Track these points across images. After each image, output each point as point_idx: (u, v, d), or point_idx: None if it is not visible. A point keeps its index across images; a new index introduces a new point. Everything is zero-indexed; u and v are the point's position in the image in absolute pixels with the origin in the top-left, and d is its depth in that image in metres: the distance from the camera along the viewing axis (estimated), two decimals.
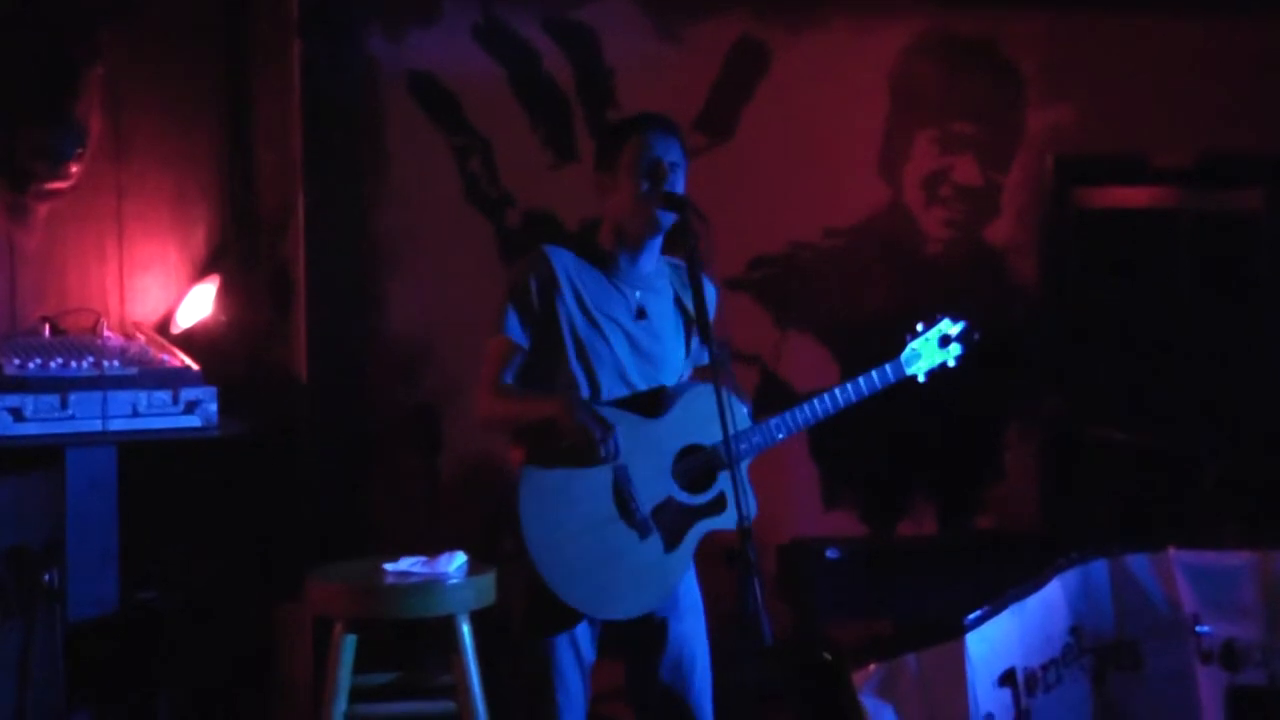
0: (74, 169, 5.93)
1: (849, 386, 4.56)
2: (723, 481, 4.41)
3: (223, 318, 6.03)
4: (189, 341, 5.85)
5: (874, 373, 4.62)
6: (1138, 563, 5.07)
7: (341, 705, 5.02)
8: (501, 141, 6.20)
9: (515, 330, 4.37)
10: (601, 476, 4.31)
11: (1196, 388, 6.19)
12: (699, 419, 4.39)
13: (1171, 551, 5.08)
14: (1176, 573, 5.05)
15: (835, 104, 6.44)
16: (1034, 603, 4.92)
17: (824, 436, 6.47)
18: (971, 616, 4.76)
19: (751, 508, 4.28)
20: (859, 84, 6.47)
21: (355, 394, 6.10)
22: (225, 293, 6.05)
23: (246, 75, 6.14)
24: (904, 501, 6.56)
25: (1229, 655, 5.03)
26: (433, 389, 6.09)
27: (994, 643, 4.79)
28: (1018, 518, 6.58)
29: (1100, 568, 5.06)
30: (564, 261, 4.39)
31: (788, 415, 4.49)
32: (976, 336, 4.77)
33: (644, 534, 4.33)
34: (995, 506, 6.61)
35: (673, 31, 6.32)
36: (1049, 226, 6.63)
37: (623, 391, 4.40)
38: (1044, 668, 4.92)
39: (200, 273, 6.07)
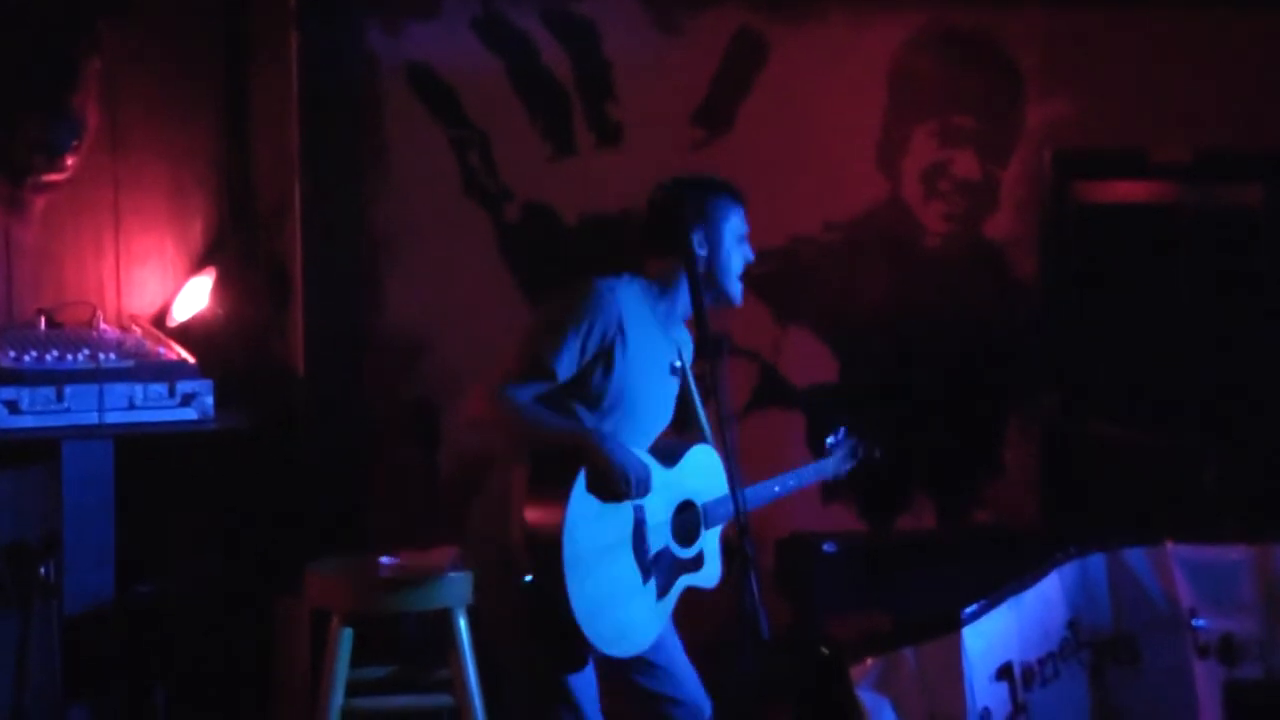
0: (71, 162, 5.92)
1: (798, 474, 4.79)
2: (702, 541, 4.47)
3: (220, 311, 6.03)
4: (186, 334, 5.85)
5: (812, 468, 4.88)
6: (1135, 557, 5.07)
7: (338, 699, 5.03)
8: (500, 134, 6.19)
9: (561, 362, 4.26)
10: (626, 514, 4.31)
11: (1195, 383, 6.19)
12: (697, 477, 4.48)
13: (1169, 546, 5.08)
14: (1174, 567, 5.05)
15: (834, 97, 6.43)
16: (1031, 597, 4.91)
17: (821, 430, 6.45)
18: (969, 611, 4.76)
19: (716, 576, 4.49)
20: (858, 77, 6.46)
21: (353, 387, 6.09)
22: (222, 286, 6.05)
23: (244, 68, 6.14)
24: (902, 496, 6.56)
25: (1226, 650, 5.03)
26: (431, 383, 6.08)
27: (991, 637, 4.79)
28: (1016, 512, 6.57)
29: (1098, 562, 5.05)
30: (627, 306, 4.34)
31: (756, 489, 4.57)
32: (877, 454, 5.04)
33: (646, 578, 4.34)
34: (993, 501, 6.60)
35: (671, 24, 6.31)
36: (1048, 221, 6.62)
37: (637, 439, 4.40)
38: (1041, 662, 4.92)
39: (197, 266, 6.07)
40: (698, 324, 4.34)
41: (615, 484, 4.22)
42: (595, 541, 4.23)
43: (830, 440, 4.99)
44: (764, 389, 6.42)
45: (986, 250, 6.60)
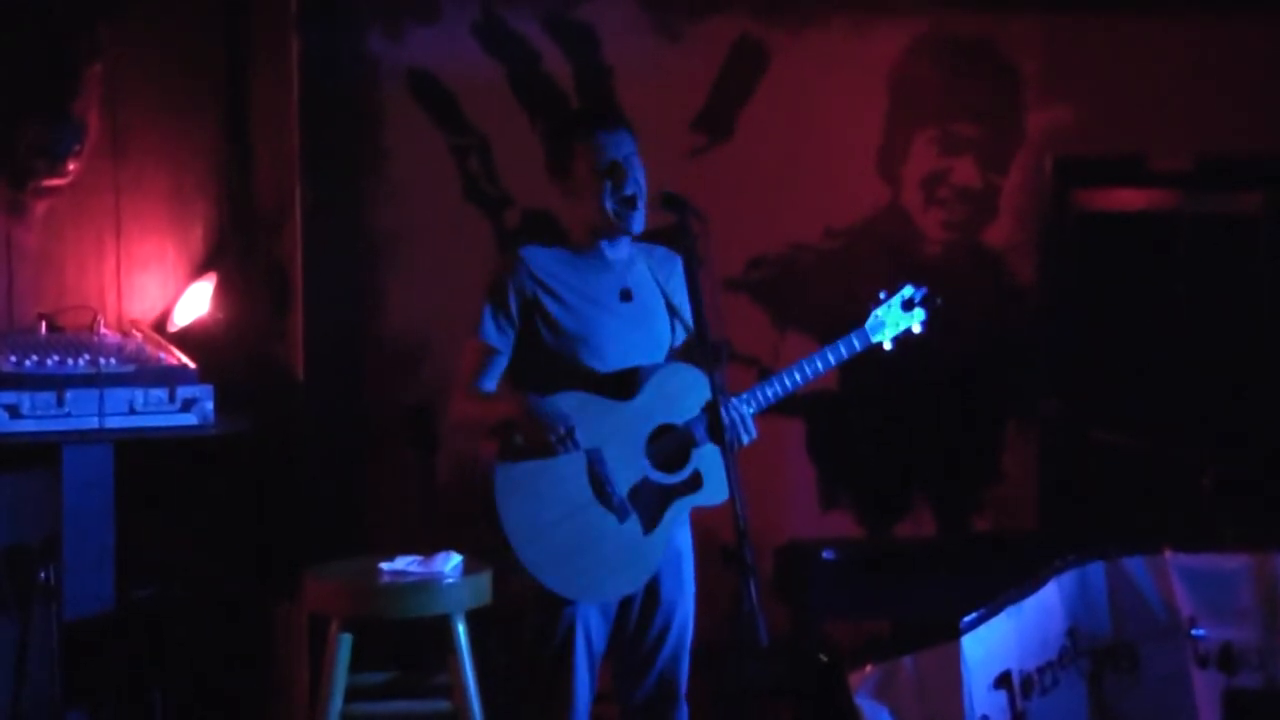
0: (72, 166, 5.93)
1: (816, 359, 4.63)
2: (697, 459, 4.45)
3: (220, 316, 6.03)
4: (186, 339, 5.85)
5: (840, 343, 4.70)
6: (1134, 565, 5.07)
7: (337, 704, 5.03)
8: (500, 140, 6.20)
9: (491, 334, 4.46)
10: (575, 464, 4.37)
11: (1195, 390, 6.19)
12: (670, 398, 4.46)
13: (1168, 554, 5.08)
14: (1173, 575, 5.05)
15: (834, 104, 6.43)
16: (1030, 605, 4.92)
17: (821, 437, 6.47)
18: (968, 619, 4.76)
19: (722, 493, 4.33)
20: (858, 84, 6.47)
21: (352, 392, 6.10)
22: (222, 291, 6.05)
23: (245, 73, 6.14)
24: (901, 503, 6.56)
25: (1226, 658, 5.03)
26: (430, 388, 6.08)
27: (990, 645, 4.79)
28: (1015, 519, 6.58)
29: (1097, 570, 5.05)
30: (540, 259, 4.49)
31: (758, 390, 4.51)
32: (939, 301, 4.82)
33: (622, 516, 4.38)
34: (993, 508, 6.60)
35: (672, 30, 6.32)
36: (1048, 228, 6.62)
37: (612, 376, 4.46)
38: (1040, 670, 4.92)
39: (197, 271, 6.07)
40: (696, 328, 4.36)
41: (542, 440, 4.31)
42: (541, 500, 4.33)
43: (880, 295, 4.82)
44: None
45: (986, 258, 6.60)
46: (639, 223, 4.46)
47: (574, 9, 6.24)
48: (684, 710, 4.61)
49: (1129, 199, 6.55)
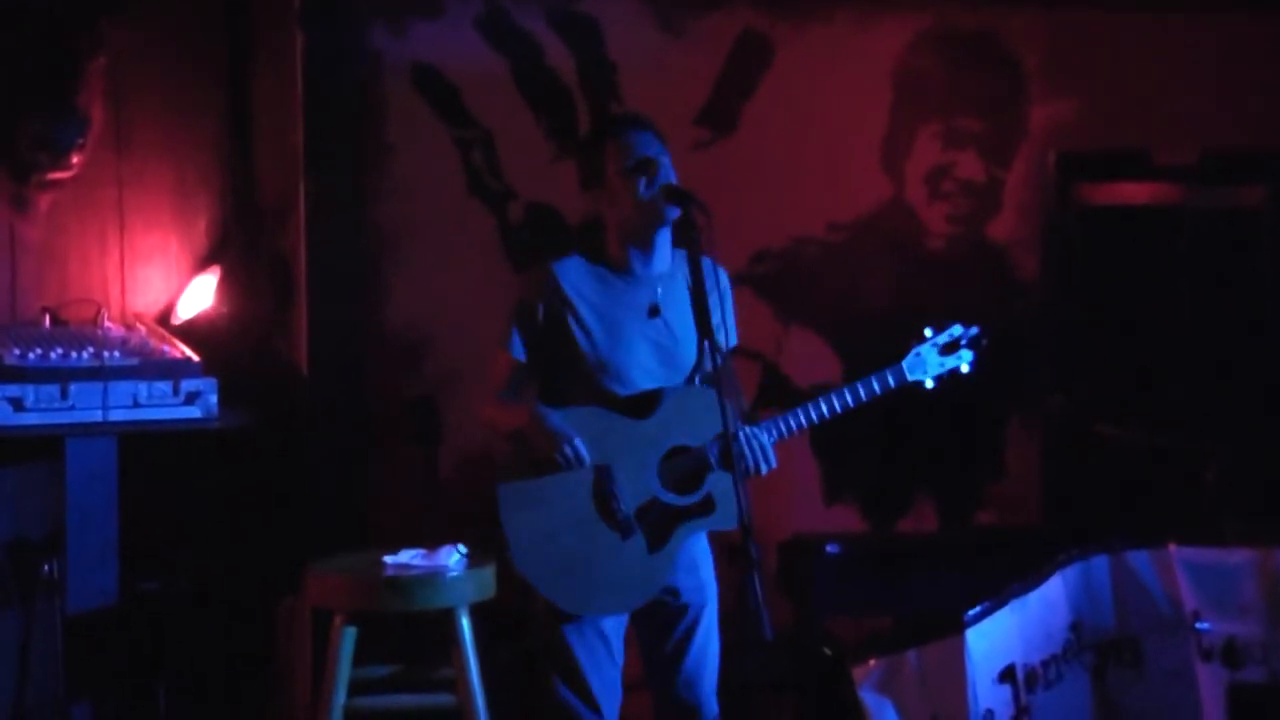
0: (75, 160, 5.92)
1: (847, 393, 4.56)
2: (711, 483, 4.42)
3: (224, 309, 6.03)
4: (190, 333, 5.85)
5: (874, 379, 4.62)
6: (1139, 559, 5.07)
7: (341, 697, 5.03)
8: (504, 134, 6.20)
9: (517, 348, 4.47)
10: (581, 478, 4.37)
11: (1198, 384, 6.19)
12: (686, 420, 4.43)
13: (1172, 548, 5.08)
14: (1177, 570, 5.05)
15: (838, 98, 6.43)
16: (1035, 599, 4.92)
17: (825, 433, 6.45)
18: (972, 612, 4.77)
19: (733, 518, 4.32)
20: (862, 79, 6.46)
21: (356, 386, 6.10)
22: (226, 284, 6.05)
23: (248, 66, 6.14)
24: (905, 498, 6.56)
25: (1230, 653, 5.03)
26: (433, 381, 6.09)
27: (994, 639, 4.80)
28: (1019, 514, 6.58)
29: (1101, 564, 5.06)
30: (571, 274, 4.46)
31: (780, 420, 4.48)
32: (984, 342, 4.75)
33: (626, 534, 4.37)
34: (996, 503, 6.60)
35: (676, 25, 6.31)
36: (1051, 222, 6.62)
37: (638, 389, 4.44)
38: (1044, 664, 4.92)
39: (201, 264, 6.07)
40: (699, 330, 4.36)
41: (547, 452, 4.33)
42: (544, 512, 4.35)
43: (926, 332, 4.68)
44: (767, 389, 6.41)
45: (989, 252, 6.60)
46: (672, 210, 4.41)
47: (577, 3, 6.24)
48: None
49: (1132, 193, 6.55)
